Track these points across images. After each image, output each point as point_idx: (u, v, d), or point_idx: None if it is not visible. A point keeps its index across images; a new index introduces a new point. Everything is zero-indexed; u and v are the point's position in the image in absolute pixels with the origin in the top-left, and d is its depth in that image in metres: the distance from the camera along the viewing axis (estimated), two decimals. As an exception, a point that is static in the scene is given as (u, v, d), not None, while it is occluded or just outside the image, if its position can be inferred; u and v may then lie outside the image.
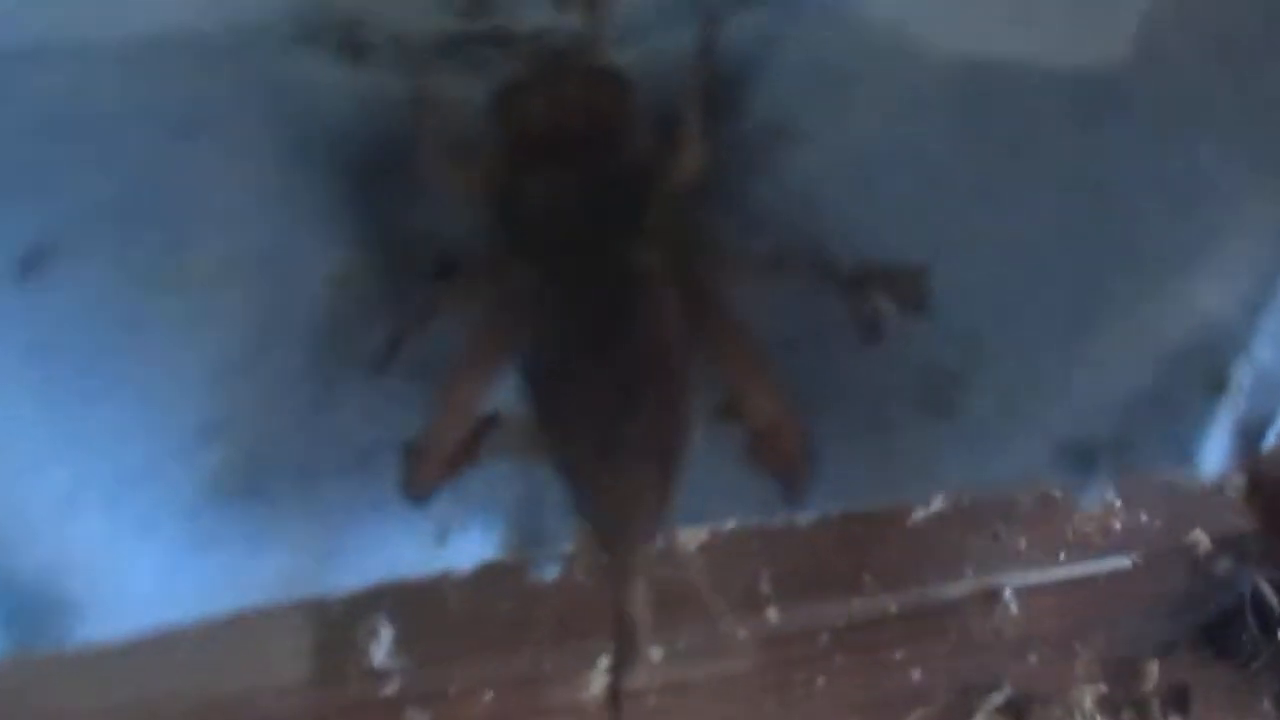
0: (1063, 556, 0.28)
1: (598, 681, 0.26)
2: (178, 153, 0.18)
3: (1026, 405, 0.21)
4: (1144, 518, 0.28)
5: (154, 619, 0.20)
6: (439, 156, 0.18)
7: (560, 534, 0.22)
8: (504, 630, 0.25)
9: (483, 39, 0.18)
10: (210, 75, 0.17)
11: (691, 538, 0.25)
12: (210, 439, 0.20)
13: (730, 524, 0.25)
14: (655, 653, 0.26)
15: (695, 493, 0.19)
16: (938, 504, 0.27)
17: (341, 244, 0.19)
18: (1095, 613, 0.28)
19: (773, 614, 0.27)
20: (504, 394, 0.19)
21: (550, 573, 0.23)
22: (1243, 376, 0.20)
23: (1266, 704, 0.29)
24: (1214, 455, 0.21)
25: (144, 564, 0.20)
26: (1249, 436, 0.21)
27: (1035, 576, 0.28)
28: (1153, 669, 0.28)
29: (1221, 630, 0.28)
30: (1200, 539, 0.29)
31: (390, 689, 0.25)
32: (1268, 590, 0.28)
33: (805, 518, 0.24)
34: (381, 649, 0.25)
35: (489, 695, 0.26)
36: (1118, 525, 0.28)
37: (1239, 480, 0.28)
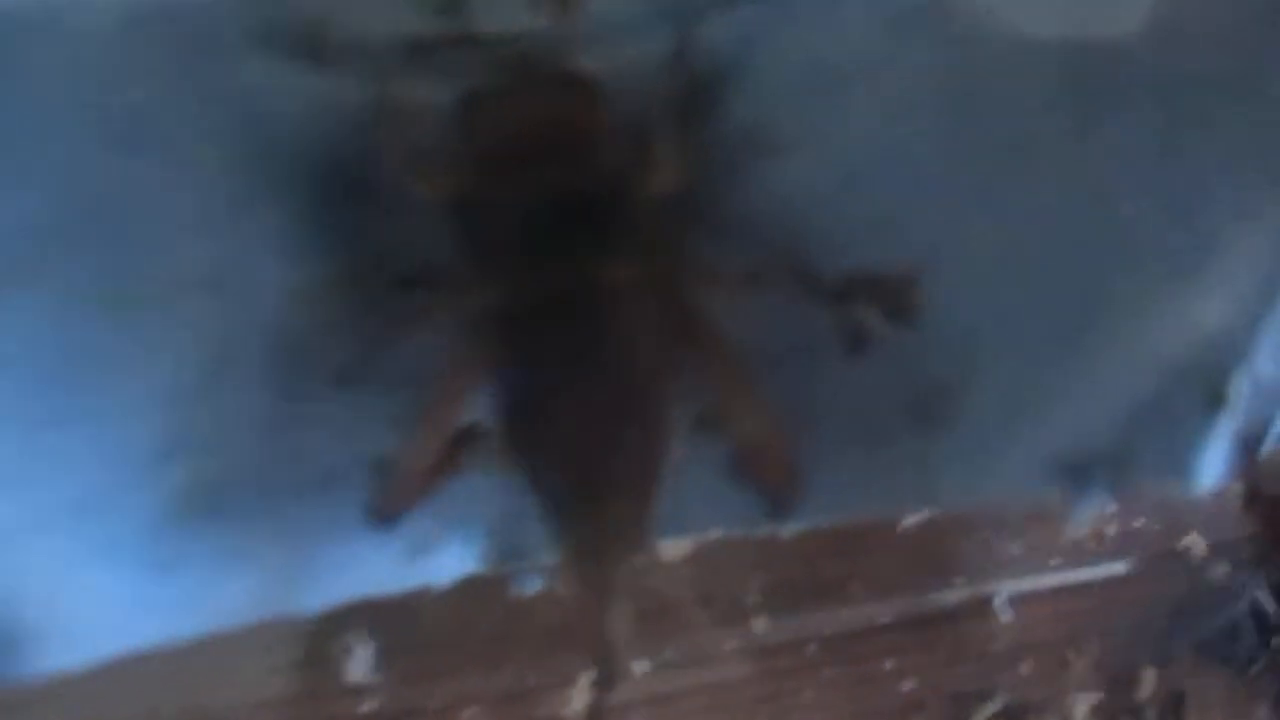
0: (1056, 563, 0.28)
1: (581, 697, 0.25)
2: (118, 165, 0.17)
3: (1021, 418, 0.21)
4: (1139, 523, 0.28)
5: (119, 645, 0.20)
6: (403, 166, 0.18)
7: (542, 548, 0.22)
8: (485, 645, 0.25)
9: (449, 41, 0.17)
10: (155, 77, 0.16)
11: (677, 549, 0.25)
12: (169, 460, 0.19)
13: (716, 534, 0.24)
14: (642, 665, 0.25)
15: (680, 504, 0.19)
16: (928, 511, 0.26)
17: (301, 258, 0.19)
18: (1089, 620, 0.28)
19: (760, 624, 0.26)
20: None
21: (532, 587, 0.23)
22: (1242, 389, 0.20)
23: (1264, 711, 0.28)
24: (1212, 468, 0.21)
25: (105, 590, 0.19)
26: (1247, 447, 0.21)
27: (1028, 583, 0.28)
28: (1149, 676, 0.28)
29: (1218, 637, 0.28)
30: (1196, 544, 0.28)
31: (370, 705, 0.25)
32: (1264, 596, 0.28)
33: (793, 527, 0.24)
34: (362, 665, 0.25)
35: (470, 711, 0.25)
36: (1112, 531, 0.28)
37: (1236, 486, 0.28)
